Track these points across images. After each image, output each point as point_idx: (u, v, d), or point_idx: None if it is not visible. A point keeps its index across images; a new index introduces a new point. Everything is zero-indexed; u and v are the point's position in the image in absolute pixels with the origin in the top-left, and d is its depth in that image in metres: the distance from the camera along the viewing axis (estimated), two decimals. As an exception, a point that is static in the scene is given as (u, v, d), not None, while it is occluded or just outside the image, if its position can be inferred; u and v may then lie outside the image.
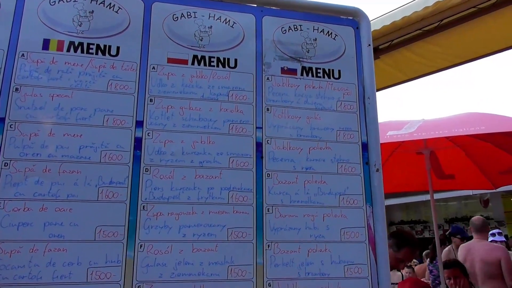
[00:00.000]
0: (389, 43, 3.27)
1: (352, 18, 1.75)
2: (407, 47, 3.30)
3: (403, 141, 3.35)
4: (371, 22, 3.14)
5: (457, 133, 2.59)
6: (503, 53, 3.28)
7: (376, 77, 3.56)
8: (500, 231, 6.39)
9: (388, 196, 13.29)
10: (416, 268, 7.75)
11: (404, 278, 3.45)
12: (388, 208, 14.93)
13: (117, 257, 1.29)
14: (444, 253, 5.74)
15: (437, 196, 12.57)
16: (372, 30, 2.99)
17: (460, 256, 4.30)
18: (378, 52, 3.33)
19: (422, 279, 5.53)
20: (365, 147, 1.61)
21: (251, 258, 1.40)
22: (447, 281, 3.57)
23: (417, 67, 3.51)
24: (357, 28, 1.74)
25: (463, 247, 4.40)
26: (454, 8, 2.87)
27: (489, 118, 2.88)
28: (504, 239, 6.16)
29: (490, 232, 6.61)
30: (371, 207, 1.56)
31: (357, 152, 1.60)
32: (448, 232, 6.27)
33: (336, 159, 1.57)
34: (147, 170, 1.39)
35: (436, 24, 3.06)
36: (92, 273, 1.27)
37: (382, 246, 1.53)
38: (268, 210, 1.46)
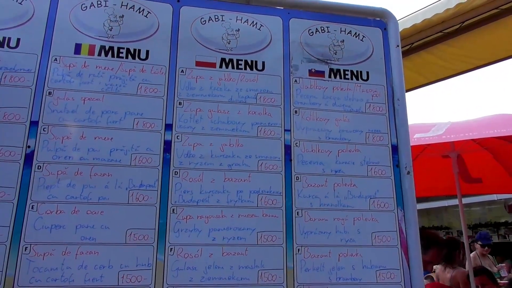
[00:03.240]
0: (409, 46, 3.22)
1: (380, 19, 1.72)
2: (427, 50, 3.24)
3: (428, 145, 3.28)
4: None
5: (487, 135, 2.52)
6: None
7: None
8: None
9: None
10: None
11: None
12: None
13: (147, 260, 1.29)
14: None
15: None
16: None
17: None
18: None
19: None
20: (395, 149, 1.58)
21: (281, 262, 1.38)
22: (475, 288, 3.47)
23: (438, 70, 3.44)
24: (385, 29, 1.71)
25: None
26: (476, 9, 2.82)
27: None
28: None
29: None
30: (402, 211, 1.52)
31: (387, 154, 1.57)
32: (474, 238, 6.13)
33: (365, 162, 1.54)
34: (176, 173, 1.39)
35: (457, 26, 3.01)
36: (123, 276, 1.27)
37: (414, 250, 1.49)
38: (297, 213, 1.44)
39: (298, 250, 1.41)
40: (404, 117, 1.62)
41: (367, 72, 1.65)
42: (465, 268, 3.73)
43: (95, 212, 1.30)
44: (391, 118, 1.61)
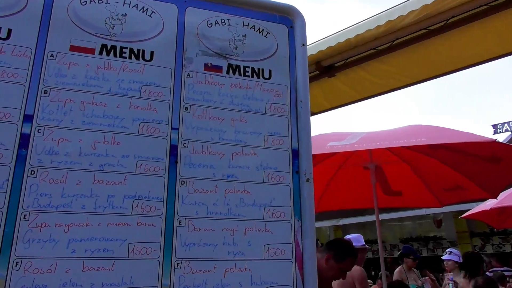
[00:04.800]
0: (344, 61, 3.23)
1: (286, 16, 1.62)
2: (361, 66, 3.26)
3: (350, 156, 3.26)
4: (325, 39, 3.09)
5: (397, 144, 2.52)
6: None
7: (331, 95, 3.50)
8: (451, 250, 6.43)
9: (344, 215, 13.33)
10: (371, 288, 7.68)
11: None
12: (344, 227, 14.97)
13: (-18, 278, 1.05)
14: (395, 274, 5.70)
15: (392, 215, 12.73)
16: (326, 47, 2.95)
17: None
18: (333, 70, 3.28)
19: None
20: (295, 154, 1.46)
21: (156, 279, 1.20)
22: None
23: (371, 86, 3.47)
24: (291, 27, 1.61)
25: None
26: (405, 28, 2.86)
27: (430, 129, 2.84)
28: (451, 258, 6.19)
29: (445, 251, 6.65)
30: (299, 221, 1.40)
31: (287, 159, 1.45)
32: (399, 253, 6.24)
33: (262, 167, 1.41)
34: (33, 172, 1.17)
35: (388, 44, 3.04)
36: None
37: (310, 264, 1.37)
38: (180, 222, 1.27)
39: (177, 265, 1.23)
40: (306, 120, 1.51)
41: (270, 71, 1.53)
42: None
43: None
44: (293, 120, 1.50)
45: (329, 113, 3.75)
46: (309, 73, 3.23)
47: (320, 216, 14.39)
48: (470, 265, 4.72)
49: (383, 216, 12.54)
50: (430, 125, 2.96)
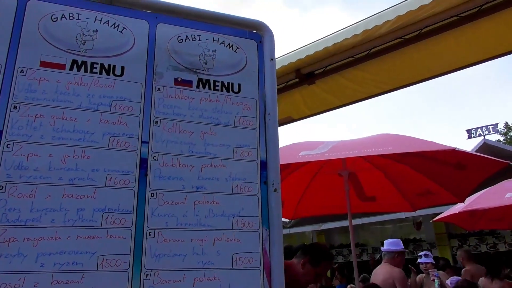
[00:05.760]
0: (324, 69, 3.30)
1: (256, 32, 1.68)
2: (341, 73, 3.33)
3: (325, 163, 3.33)
4: (304, 47, 3.15)
5: (365, 153, 2.61)
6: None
7: (312, 101, 3.56)
8: (426, 252, 6.57)
9: (326, 219, 13.44)
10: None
11: None
12: (328, 231, 15.10)
13: (-51, 294, 1.07)
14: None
15: (373, 219, 12.91)
16: (305, 55, 3.01)
17: None
18: (313, 77, 3.35)
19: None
20: (263, 165, 1.51)
21: (125, 290, 1.23)
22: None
23: (351, 93, 3.55)
24: (260, 41, 1.67)
25: None
26: (381, 37, 2.95)
27: (398, 138, 2.94)
28: (429, 260, 6.31)
29: (418, 254, 6.78)
30: (267, 230, 1.45)
31: (255, 170, 1.50)
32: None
33: (231, 178, 1.46)
34: (1, 187, 1.19)
35: (366, 53, 3.13)
36: None
37: (278, 272, 1.41)
38: (149, 234, 1.30)
39: (147, 276, 1.26)
40: (274, 132, 1.57)
41: (239, 84, 1.58)
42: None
43: None
44: (262, 133, 1.55)
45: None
46: (290, 81, 3.34)
47: (303, 221, 14.49)
48: (492, 266, 4.89)
49: (365, 220, 12.74)
50: (397, 134, 3.06)
